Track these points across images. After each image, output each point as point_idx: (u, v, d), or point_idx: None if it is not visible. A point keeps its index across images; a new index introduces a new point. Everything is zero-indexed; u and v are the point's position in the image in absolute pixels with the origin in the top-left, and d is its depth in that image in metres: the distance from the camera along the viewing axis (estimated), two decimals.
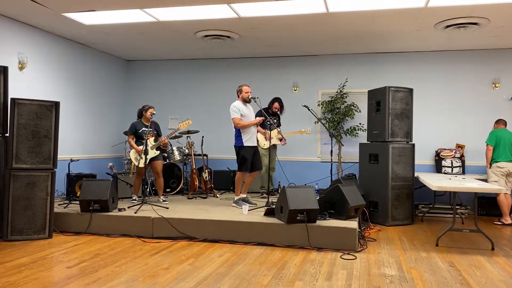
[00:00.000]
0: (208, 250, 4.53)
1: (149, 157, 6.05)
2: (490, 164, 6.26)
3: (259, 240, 4.82)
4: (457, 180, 5.45)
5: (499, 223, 6.19)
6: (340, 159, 7.66)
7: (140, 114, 6.29)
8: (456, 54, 7.46)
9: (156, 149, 6.22)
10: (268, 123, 6.49)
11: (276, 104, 6.83)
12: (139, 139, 6.17)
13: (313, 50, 7.61)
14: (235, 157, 5.92)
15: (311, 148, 7.99)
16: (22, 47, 6.19)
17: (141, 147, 6.06)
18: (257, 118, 5.90)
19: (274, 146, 6.91)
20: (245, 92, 5.87)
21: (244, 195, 6.00)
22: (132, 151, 6.16)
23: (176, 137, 7.37)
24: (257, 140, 6.40)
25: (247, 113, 5.88)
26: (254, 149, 5.89)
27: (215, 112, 8.38)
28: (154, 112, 6.17)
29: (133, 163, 6.08)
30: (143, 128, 6.17)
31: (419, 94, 7.36)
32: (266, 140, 6.58)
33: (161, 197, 6.31)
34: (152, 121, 6.25)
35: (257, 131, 6.22)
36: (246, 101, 5.89)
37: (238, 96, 5.94)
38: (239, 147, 5.81)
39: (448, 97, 7.48)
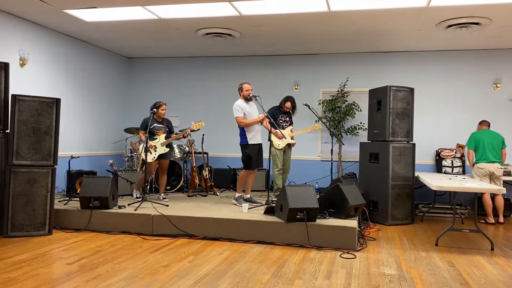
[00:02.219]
0: (207, 248, 4.53)
1: (158, 153, 6.12)
2: (473, 165, 6.37)
3: (258, 238, 4.82)
4: (457, 180, 5.45)
5: (483, 221, 6.30)
6: (340, 158, 7.66)
7: (153, 110, 6.20)
8: (457, 54, 7.45)
9: (166, 147, 6.24)
10: (281, 121, 6.52)
11: (288, 104, 6.69)
12: (150, 135, 6.15)
13: (315, 48, 7.61)
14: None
15: (311, 147, 7.99)
16: (23, 44, 6.19)
17: (152, 142, 6.09)
18: (260, 115, 5.88)
19: (289, 146, 6.73)
20: (246, 90, 5.85)
21: (248, 195, 6.00)
22: (141, 145, 6.16)
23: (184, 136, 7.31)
24: (271, 141, 6.38)
25: (250, 111, 5.86)
26: (259, 147, 5.91)
27: (216, 110, 8.38)
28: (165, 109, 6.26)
29: (141, 158, 6.06)
30: (155, 124, 6.19)
31: (420, 93, 7.36)
32: (280, 139, 6.54)
33: (162, 194, 6.32)
34: (164, 118, 6.31)
35: (269, 132, 6.21)
36: (247, 99, 5.87)
37: (240, 94, 5.94)
38: (245, 145, 5.82)
39: (449, 96, 7.48)
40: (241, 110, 5.77)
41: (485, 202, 6.27)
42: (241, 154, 5.89)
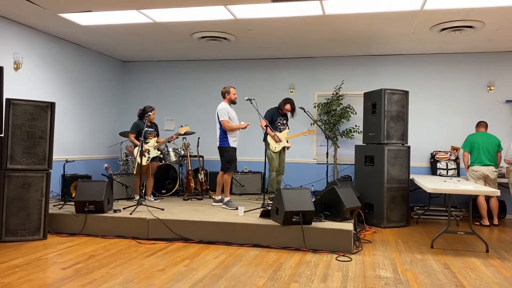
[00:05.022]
0: (203, 252, 4.52)
1: (151, 156, 6.30)
2: (468, 168, 6.41)
3: (254, 242, 4.82)
4: (452, 182, 5.47)
5: (478, 224, 6.35)
6: (336, 161, 7.68)
7: (143, 115, 6.37)
8: (451, 57, 7.49)
9: (157, 150, 6.42)
10: (279, 124, 6.53)
11: (288, 106, 6.68)
12: (144, 139, 6.22)
13: (310, 52, 7.63)
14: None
15: (307, 150, 8.00)
16: (18, 47, 6.16)
17: (146, 146, 6.24)
18: (242, 123, 5.98)
19: (284, 149, 6.77)
20: (233, 94, 6.01)
21: (220, 197, 6.12)
22: (137, 148, 6.22)
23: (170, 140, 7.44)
24: (268, 143, 6.41)
25: (234, 116, 6.03)
26: (235, 150, 6.05)
27: (211, 114, 8.34)
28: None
29: (136, 162, 6.15)
30: (147, 128, 6.32)
31: (414, 96, 7.39)
32: (276, 142, 6.55)
33: (150, 196, 6.51)
34: (152, 122, 6.47)
35: (267, 134, 6.24)
36: (233, 102, 6.03)
37: (224, 98, 6.04)
38: (227, 148, 5.92)
39: (443, 99, 7.52)
40: (227, 113, 5.91)
41: (480, 204, 6.31)
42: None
